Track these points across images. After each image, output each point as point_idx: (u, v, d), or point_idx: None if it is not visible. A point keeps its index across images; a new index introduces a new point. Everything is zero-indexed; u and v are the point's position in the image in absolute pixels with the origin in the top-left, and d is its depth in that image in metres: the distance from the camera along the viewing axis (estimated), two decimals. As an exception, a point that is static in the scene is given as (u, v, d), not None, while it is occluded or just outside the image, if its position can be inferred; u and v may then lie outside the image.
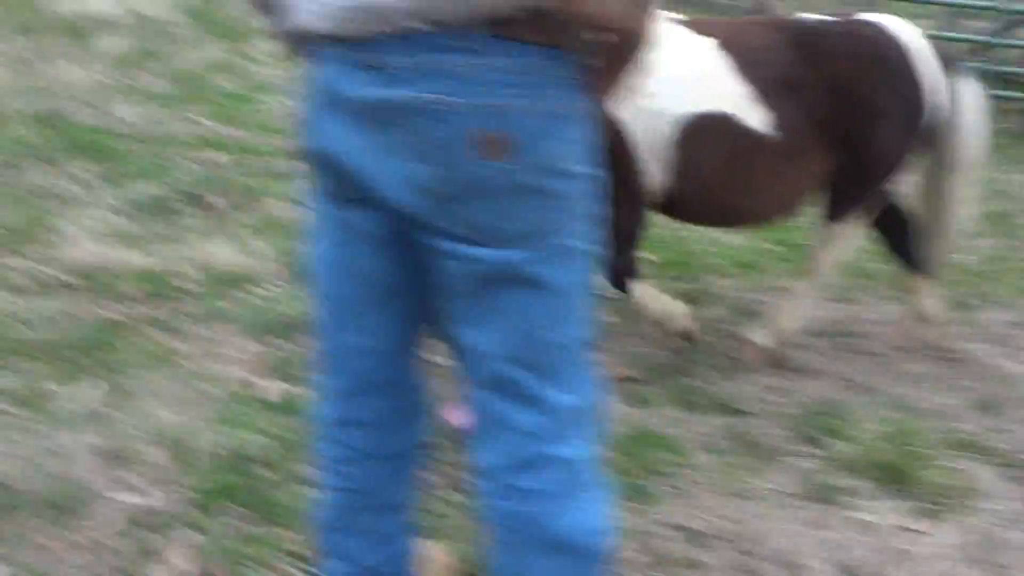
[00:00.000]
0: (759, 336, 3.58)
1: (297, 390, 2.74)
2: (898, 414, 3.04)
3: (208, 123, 5.49)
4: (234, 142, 5.25)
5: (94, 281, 3.43)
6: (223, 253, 3.82)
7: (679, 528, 2.35)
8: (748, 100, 3.25)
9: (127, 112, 5.45)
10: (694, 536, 2.32)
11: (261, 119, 5.64)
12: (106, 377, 2.76)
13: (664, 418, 2.96)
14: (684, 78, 3.27)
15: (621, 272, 3.54)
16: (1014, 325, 3.96)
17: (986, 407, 3.20)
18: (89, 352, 2.90)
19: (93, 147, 4.80)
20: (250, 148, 5.20)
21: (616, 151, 3.35)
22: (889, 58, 3.40)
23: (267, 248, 3.92)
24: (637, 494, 2.44)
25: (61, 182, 4.35)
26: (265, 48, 6.62)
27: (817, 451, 2.80)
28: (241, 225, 4.19)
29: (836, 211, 3.56)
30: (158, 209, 4.22)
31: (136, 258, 3.67)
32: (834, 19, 3.56)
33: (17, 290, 3.30)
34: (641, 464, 2.61)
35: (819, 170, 3.45)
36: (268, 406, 2.71)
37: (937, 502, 2.55)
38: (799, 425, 2.96)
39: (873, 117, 3.39)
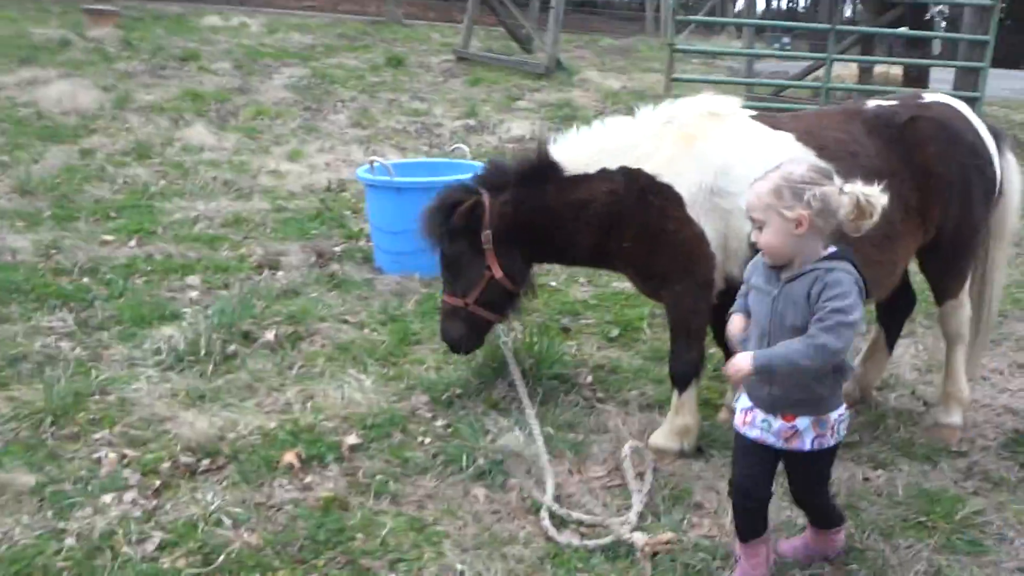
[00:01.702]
0: (955, 417, 3.84)
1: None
2: None
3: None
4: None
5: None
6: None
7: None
8: None
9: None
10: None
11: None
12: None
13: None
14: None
15: (686, 369, 3.55)
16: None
17: None
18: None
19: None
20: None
21: (691, 254, 3.41)
22: (967, 139, 3.47)
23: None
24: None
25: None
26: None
27: None
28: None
29: (943, 291, 3.70)
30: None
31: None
32: (899, 103, 3.61)
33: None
34: None
35: (912, 252, 3.51)
36: None
37: None
38: None
39: (961, 196, 3.45)
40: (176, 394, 4.00)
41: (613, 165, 3.46)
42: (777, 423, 2.61)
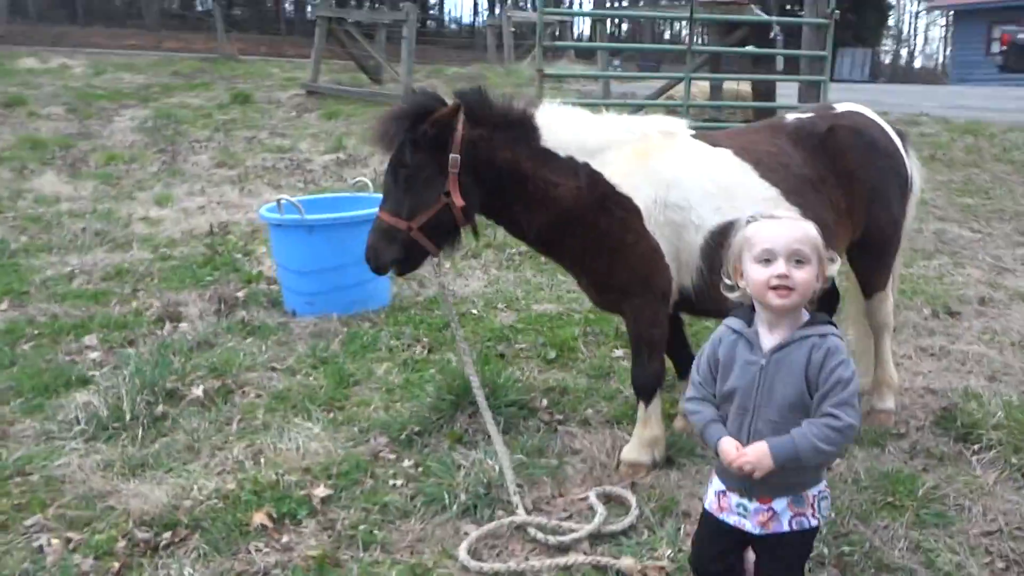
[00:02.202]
0: (889, 402, 4.07)
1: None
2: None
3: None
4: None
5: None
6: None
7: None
8: (779, 200, 3.44)
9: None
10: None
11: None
12: None
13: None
14: (714, 189, 3.40)
15: (649, 380, 3.58)
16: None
17: None
18: None
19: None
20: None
21: (649, 267, 3.45)
22: (882, 143, 3.74)
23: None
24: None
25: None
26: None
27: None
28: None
29: (871, 285, 3.92)
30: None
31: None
32: (816, 115, 3.84)
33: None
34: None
35: (842, 252, 3.71)
36: None
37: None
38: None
39: (882, 196, 3.70)
40: (110, 465, 3.66)
41: (580, 158, 3.43)
42: (753, 505, 2.38)
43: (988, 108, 15.38)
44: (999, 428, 3.85)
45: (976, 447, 3.79)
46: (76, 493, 3.44)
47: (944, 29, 57.08)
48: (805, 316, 2.34)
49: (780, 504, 2.36)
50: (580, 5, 55.48)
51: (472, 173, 3.38)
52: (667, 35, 55.18)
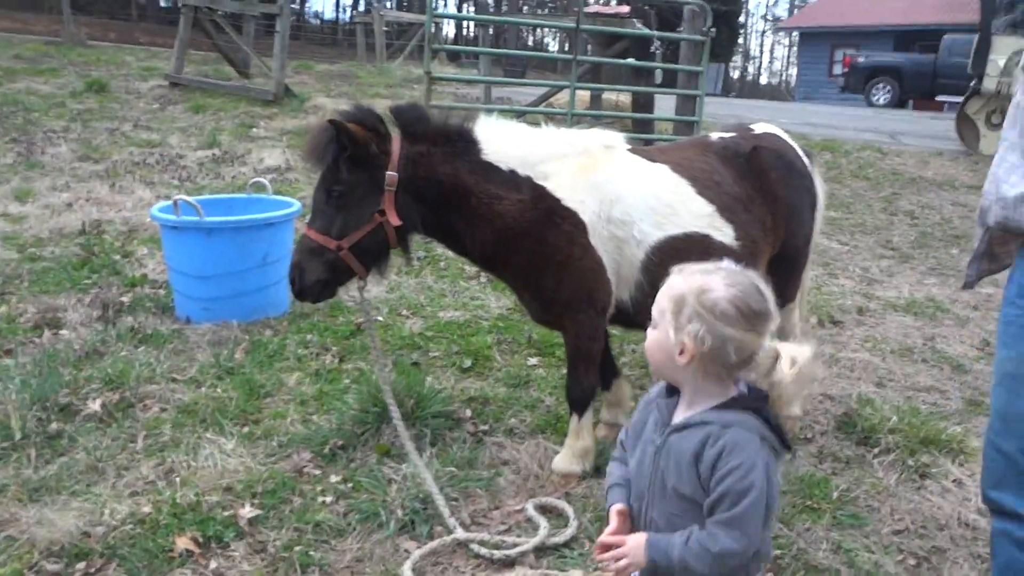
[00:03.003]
0: (796, 409, 4.13)
1: None
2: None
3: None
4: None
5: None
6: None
7: None
8: (715, 217, 3.53)
9: None
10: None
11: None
12: None
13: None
14: (655, 204, 3.44)
15: (584, 394, 3.59)
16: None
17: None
18: None
19: None
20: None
21: (593, 282, 3.45)
22: (797, 164, 3.93)
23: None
24: None
25: None
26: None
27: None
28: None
29: (783, 297, 4.11)
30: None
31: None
32: (738, 135, 3.98)
33: None
34: None
35: (765, 267, 3.85)
36: None
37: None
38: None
39: (798, 213, 3.87)
40: (2, 490, 3.33)
41: (522, 172, 3.39)
42: None
43: (837, 126, 16.52)
44: (895, 432, 4.13)
45: (876, 450, 4.05)
46: (-32, 523, 3.11)
47: (788, 49, 60.94)
48: (732, 392, 1.92)
49: None
50: (460, 9, 55.26)
51: (411, 191, 3.30)
52: (530, 41, 56.04)
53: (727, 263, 1.94)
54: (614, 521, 2.04)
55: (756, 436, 1.84)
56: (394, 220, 3.26)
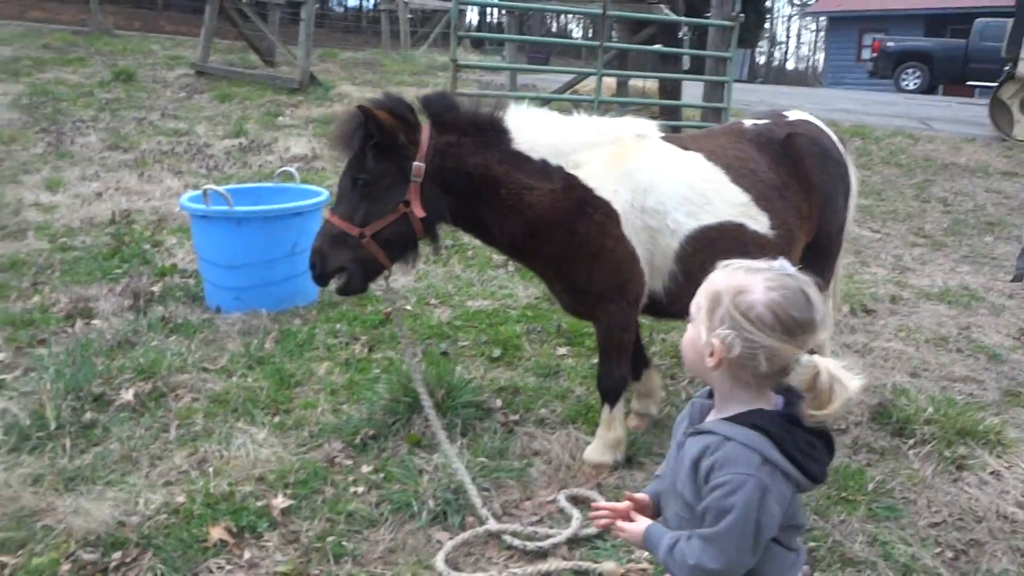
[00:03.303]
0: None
1: None
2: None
3: None
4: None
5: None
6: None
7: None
8: (751, 206, 3.47)
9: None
10: None
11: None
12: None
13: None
14: (689, 194, 3.39)
15: (616, 384, 3.57)
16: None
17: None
18: None
19: None
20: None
21: (626, 272, 3.41)
22: (833, 151, 3.86)
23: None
24: None
25: None
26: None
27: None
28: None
29: (819, 284, 4.03)
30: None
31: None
32: (771, 122, 3.91)
33: None
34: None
35: (800, 254, 3.79)
36: None
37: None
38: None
39: (833, 201, 3.81)
40: (40, 479, 3.36)
41: (553, 161, 3.35)
42: None
43: (866, 112, 16.28)
44: (931, 423, 4.06)
45: (911, 441, 3.99)
46: (5, 512, 3.14)
47: (815, 34, 60.14)
48: (763, 404, 1.81)
49: None
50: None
51: (439, 181, 3.26)
52: (554, 28, 55.71)
53: (781, 262, 1.82)
54: (626, 503, 2.04)
55: (756, 455, 1.71)
56: (419, 212, 3.23)
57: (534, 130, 3.39)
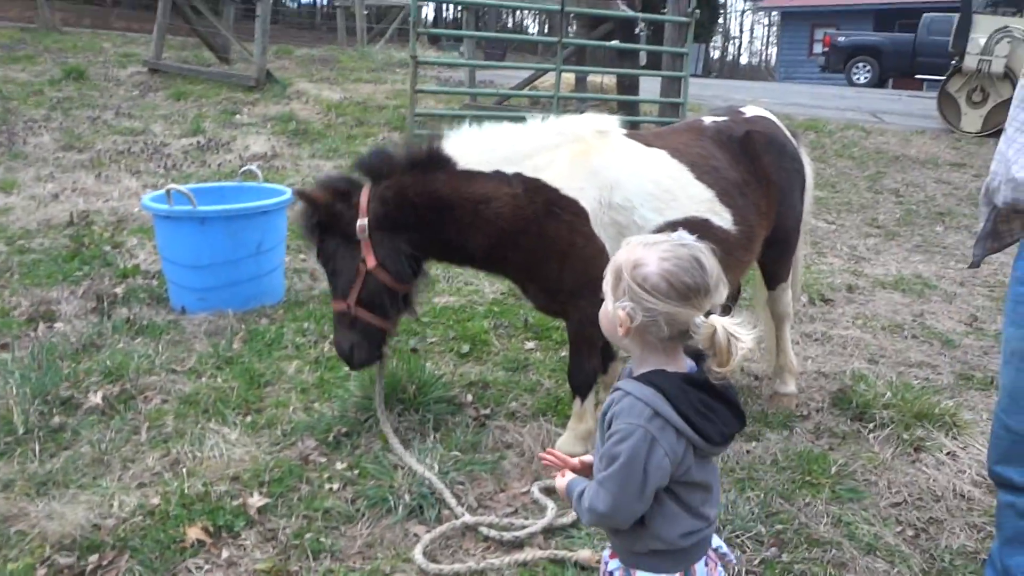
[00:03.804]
0: (791, 386, 4.30)
1: None
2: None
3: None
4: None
5: None
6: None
7: None
8: (715, 202, 3.55)
9: None
10: None
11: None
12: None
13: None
14: (655, 190, 3.46)
15: (587, 378, 3.63)
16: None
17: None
18: None
19: None
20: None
21: (598, 268, 3.43)
22: (788, 147, 3.96)
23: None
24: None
25: None
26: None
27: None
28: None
29: (776, 277, 4.13)
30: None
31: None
32: (729, 119, 3.99)
33: None
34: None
35: (760, 248, 3.88)
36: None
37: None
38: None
39: (789, 195, 3.91)
40: (9, 485, 3.32)
41: (508, 170, 3.41)
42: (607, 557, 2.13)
43: (819, 106, 16.60)
44: (889, 407, 4.20)
45: (871, 425, 4.12)
46: (-26, 518, 3.11)
47: (768, 29, 60.98)
48: (673, 367, 1.91)
49: (614, 564, 2.07)
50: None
51: (387, 227, 3.41)
52: (510, 23, 55.74)
53: (679, 233, 1.93)
54: (575, 460, 2.16)
55: (649, 409, 1.82)
56: (371, 262, 3.39)
57: (479, 147, 3.47)
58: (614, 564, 2.06)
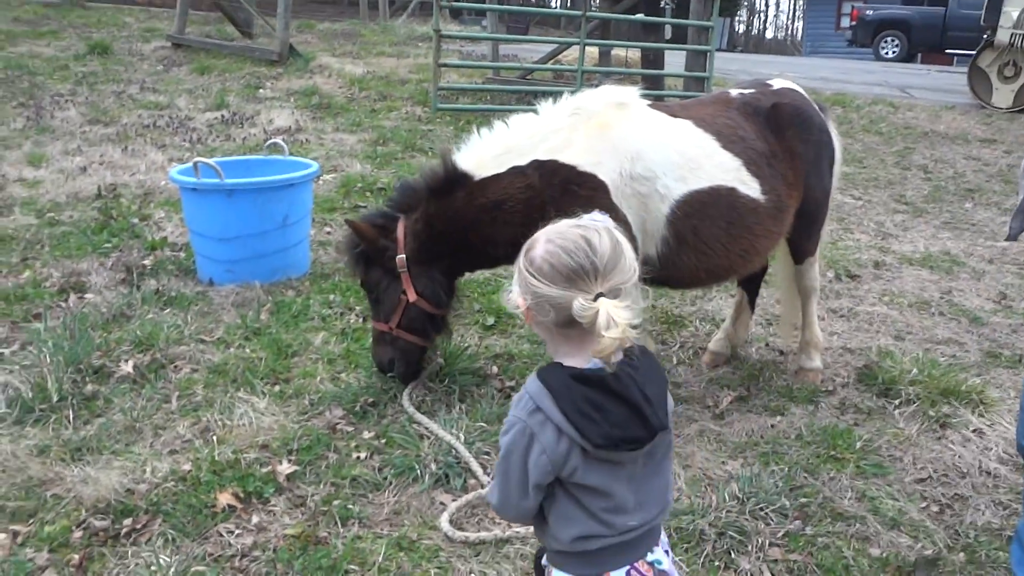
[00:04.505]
0: (816, 361, 4.29)
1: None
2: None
3: None
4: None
5: None
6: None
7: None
8: (742, 171, 3.54)
9: None
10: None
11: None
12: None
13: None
14: (678, 159, 3.45)
15: None
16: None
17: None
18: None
19: None
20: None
21: None
22: (816, 119, 3.92)
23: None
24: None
25: None
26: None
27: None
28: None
29: (803, 251, 4.11)
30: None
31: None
32: (757, 91, 3.95)
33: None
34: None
35: (791, 221, 3.86)
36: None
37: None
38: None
39: (817, 168, 3.88)
40: (46, 450, 3.39)
41: (523, 161, 3.49)
42: None
43: (846, 80, 16.37)
44: (915, 383, 4.18)
45: (897, 401, 4.10)
46: (14, 482, 3.18)
47: (794, 2, 60.01)
48: (581, 359, 1.76)
49: (547, 558, 1.96)
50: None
51: (426, 256, 3.65)
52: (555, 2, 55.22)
53: (594, 215, 1.82)
54: None
55: (532, 404, 1.73)
56: (411, 295, 3.65)
57: (491, 151, 3.56)
58: (547, 558, 1.95)
